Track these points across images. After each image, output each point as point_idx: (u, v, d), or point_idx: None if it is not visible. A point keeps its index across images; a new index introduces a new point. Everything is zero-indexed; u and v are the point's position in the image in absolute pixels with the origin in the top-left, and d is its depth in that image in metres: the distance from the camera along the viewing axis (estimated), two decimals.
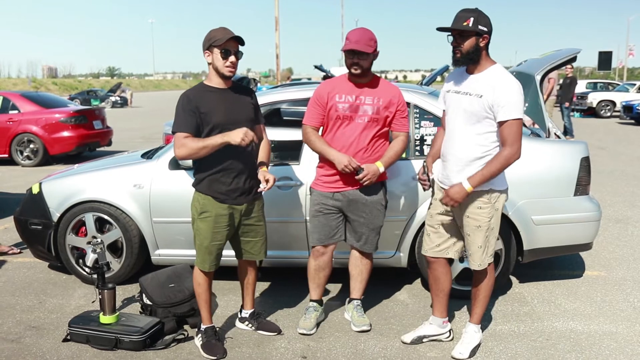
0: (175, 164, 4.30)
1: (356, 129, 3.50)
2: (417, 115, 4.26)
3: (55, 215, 4.51)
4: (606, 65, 27.66)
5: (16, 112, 11.46)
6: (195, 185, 3.40)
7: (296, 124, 5.72)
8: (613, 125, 20.42)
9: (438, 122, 4.15)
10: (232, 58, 3.25)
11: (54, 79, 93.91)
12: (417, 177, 3.50)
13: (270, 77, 59.37)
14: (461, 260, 4.07)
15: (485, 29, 3.05)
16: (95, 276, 3.71)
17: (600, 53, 27.20)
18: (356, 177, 3.45)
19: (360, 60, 3.42)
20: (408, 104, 4.15)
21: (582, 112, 24.27)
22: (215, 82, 3.34)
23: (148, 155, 4.81)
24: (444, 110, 3.42)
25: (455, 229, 3.35)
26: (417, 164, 4.10)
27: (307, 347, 3.53)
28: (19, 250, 5.45)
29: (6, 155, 11.38)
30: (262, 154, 3.51)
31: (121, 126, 20.58)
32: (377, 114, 3.49)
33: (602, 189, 8.36)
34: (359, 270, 3.77)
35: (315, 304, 3.80)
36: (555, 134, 4.75)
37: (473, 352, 3.35)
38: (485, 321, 3.84)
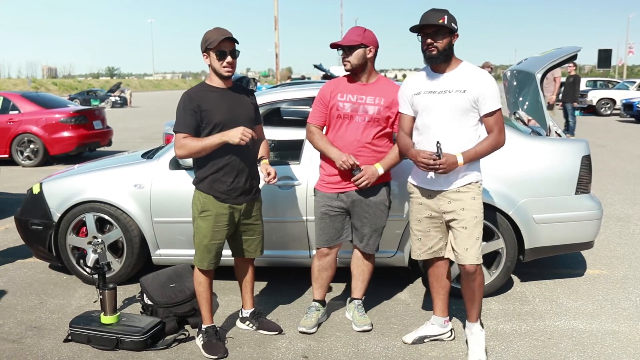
0: (175, 164, 4.30)
1: (357, 128, 3.49)
2: None
3: (56, 216, 4.51)
4: (606, 63, 27.62)
5: (16, 112, 11.47)
6: (196, 184, 3.41)
7: (296, 123, 5.72)
8: (613, 123, 20.41)
9: None
10: (228, 58, 3.27)
11: (53, 79, 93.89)
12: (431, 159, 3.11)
13: (269, 77, 59.31)
14: None
15: (456, 27, 3.13)
16: (96, 276, 3.71)
17: (600, 51, 27.14)
18: (352, 179, 3.44)
19: (347, 56, 3.45)
20: None
21: (582, 110, 24.27)
22: (216, 82, 3.37)
23: (148, 155, 4.80)
24: (403, 114, 3.36)
25: (444, 230, 3.32)
26: None
27: (309, 346, 3.52)
28: None
29: (6, 156, 11.38)
30: (262, 150, 3.55)
31: (121, 126, 20.59)
32: (378, 114, 3.48)
33: (603, 187, 8.36)
34: (360, 270, 3.77)
35: (317, 303, 3.80)
36: (556, 132, 4.74)
37: (485, 350, 3.33)
38: (486, 320, 3.84)
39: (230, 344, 3.55)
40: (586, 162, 4.14)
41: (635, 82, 25.53)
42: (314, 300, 3.81)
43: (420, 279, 4.61)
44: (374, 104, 3.49)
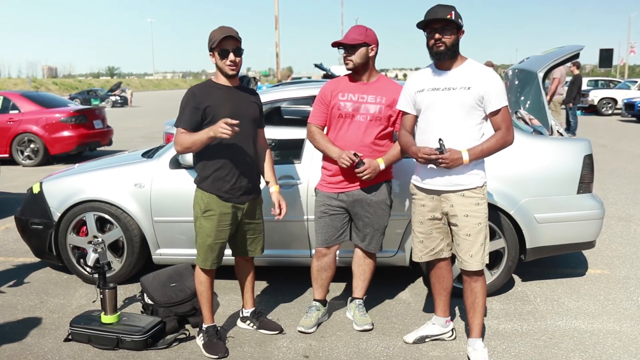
0: (175, 163, 4.29)
1: (359, 127, 3.48)
2: None
3: (56, 215, 4.50)
4: (607, 63, 27.65)
5: (16, 112, 11.46)
6: (198, 183, 3.40)
7: (297, 122, 5.71)
8: (614, 122, 20.39)
9: None
10: (230, 56, 3.27)
11: (54, 78, 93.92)
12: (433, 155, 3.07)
13: (270, 76, 59.32)
14: None
15: (462, 23, 3.10)
16: (96, 276, 3.71)
17: (602, 50, 27.17)
18: (355, 170, 3.40)
19: (349, 55, 3.44)
20: None
21: (583, 110, 24.24)
22: (222, 81, 3.38)
23: (148, 154, 4.79)
24: (404, 112, 3.33)
25: (445, 231, 3.30)
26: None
27: (309, 346, 3.51)
28: None
29: (7, 155, 11.38)
30: (269, 172, 3.60)
31: (121, 126, 20.59)
32: (380, 113, 3.47)
33: (605, 187, 8.34)
34: (362, 269, 3.76)
35: (318, 303, 3.79)
36: (558, 131, 4.73)
37: None
38: (487, 320, 3.83)
39: (230, 344, 3.54)
40: (588, 162, 4.13)
41: (636, 82, 25.49)
42: (315, 300, 3.80)
43: (421, 279, 4.60)
44: (375, 103, 3.48)
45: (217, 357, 3.36)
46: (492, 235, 4.07)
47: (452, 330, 3.57)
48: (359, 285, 3.80)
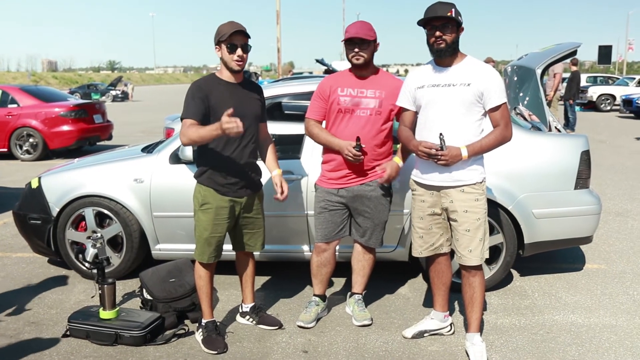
0: (175, 158, 4.29)
1: (359, 122, 3.48)
2: None
3: (55, 210, 4.50)
4: (606, 59, 27.56)
5: (15, 106, 11.42)
6: (197, 177, 3.40)
7: (297, 117, 5.71)
8: (613, 118, 20.41)
9: None
10: (238, 52, 3.25)
11: (53, 72, 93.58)
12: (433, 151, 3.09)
13: (271, 71, 59.25)
14: None
15: (462, 20, 3.11)
16: (95, 271, 3.70)
17: (600, 47, 27.09)
18: (379, 180, 3.48)
19: (361, 50, 3.42)
20: None
21: (582, 106, 24.26)
22: (226, 76, 3.36)
23: (148, 149, 4.79)
24: (404, 109, 3.34)
25: (445, 226, 3.31)
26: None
27: (309, 341, 3.53)
28: None
29: (5, 150, 11.35)
30: (272, 160, 3.59)
31: (122, 120, 20.55)
32: (379, 107, 3.48)
33: (602, 183, 8.36)
34: (361, 265, 3.77)
35: (317, 298, 3.80)
36: (555, 127, 4.74)
37: None
38: (486, 315, 3.84)
39: (230, 339, 3.55)
40: (585, 158, 4.14)
41: (634, 78, 25.55)
42: (314, 295, 3.82)
43: (420, 274, 4.61)
44: (374, 97, 3.48)
45: (216, 352, 3.37)
46: (491, 231, 4.08)
47: (450, 325, 3.58)
48: (358, 280, 3.81)
